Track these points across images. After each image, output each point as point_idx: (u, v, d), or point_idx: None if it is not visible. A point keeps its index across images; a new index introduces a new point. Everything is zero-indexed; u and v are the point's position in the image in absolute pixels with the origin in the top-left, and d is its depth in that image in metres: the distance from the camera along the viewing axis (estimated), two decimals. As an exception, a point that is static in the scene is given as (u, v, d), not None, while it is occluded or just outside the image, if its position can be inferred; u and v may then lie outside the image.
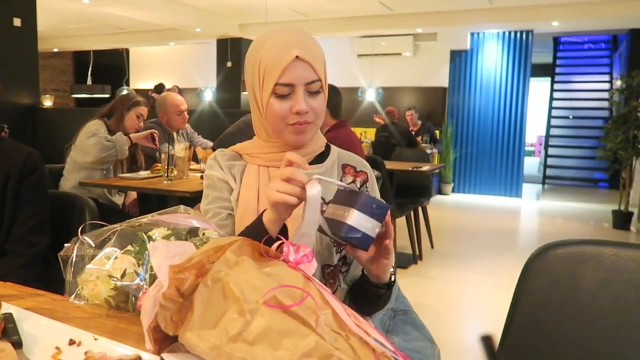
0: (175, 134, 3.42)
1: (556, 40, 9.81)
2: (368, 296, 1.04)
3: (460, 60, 8.01)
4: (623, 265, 1.04)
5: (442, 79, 8.21)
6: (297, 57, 0.96)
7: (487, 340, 0.62)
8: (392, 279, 1.01)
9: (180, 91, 8.53)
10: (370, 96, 8.49)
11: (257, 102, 1.04)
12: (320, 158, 1.12)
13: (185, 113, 3.44)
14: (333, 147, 1.16)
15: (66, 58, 11.62)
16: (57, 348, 0.75)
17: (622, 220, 5.61)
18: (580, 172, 9.33)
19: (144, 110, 3.10)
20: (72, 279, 0.90)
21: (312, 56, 0.99)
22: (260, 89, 1.01)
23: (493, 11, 7.01)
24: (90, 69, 8.48)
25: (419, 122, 7.18)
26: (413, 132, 6.90)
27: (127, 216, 2.82)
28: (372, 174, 1.18)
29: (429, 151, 6.38)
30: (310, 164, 1.08)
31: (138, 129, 3.08)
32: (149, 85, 10.33)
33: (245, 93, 7.85)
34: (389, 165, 4.01)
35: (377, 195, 1.16)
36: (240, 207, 1.06)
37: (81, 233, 0.93)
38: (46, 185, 1.51)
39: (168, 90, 7.18)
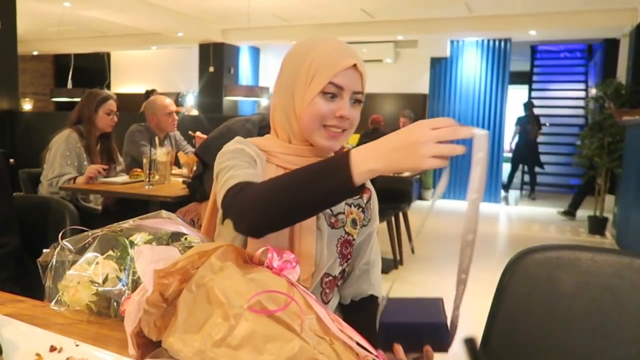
0: (162, 136, 3.37)
1: (533, 49, 10.00)
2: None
3: (440, 68, 8.10)
4: (599, 270, 1.06)
5: (422, 86, 8.29)
6: (354, 65, 0.99)
7: (469, 343, 0.63)
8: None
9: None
10: (352, 102, 8.51)
11: (295, 101, 1.02)
12: None
13: (175, 115, 3.42)
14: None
15: (46, 61, 11.44)
16: (38, 355, 0.74)
17: (597, 225, 5.71)
18: (557, 178, 9.49)
19: (112, 105, 3.00)
20: (53, 284, 0.89)
21: (364, 70, 1.02)
22: (305, 87, 1.00)
23: (472, 19, 7.12)
24: (70, 72, 8.36)
25: None
26: None
27: (107, 221, 2.79)
28: (374, 192, 1.20)
29: None
30: None
31: (113, 124, 3.01)
32: (131, 89, 10.24)
33: (228, 98, 7.89)
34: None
35: (376, 220, 1.19)
36: None
37: (61, 238, 0.92)
38: (6, 185, 1.44)
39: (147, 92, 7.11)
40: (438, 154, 0.77)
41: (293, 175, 0.86)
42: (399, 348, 0.83)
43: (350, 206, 1.11)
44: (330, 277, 1.08)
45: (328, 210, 1.06)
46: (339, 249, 1.08)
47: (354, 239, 1.11)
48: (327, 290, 1.08)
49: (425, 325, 0.86)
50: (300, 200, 0.83)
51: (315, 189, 0.81)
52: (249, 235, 0.95)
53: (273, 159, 1.05)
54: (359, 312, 1.16)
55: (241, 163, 0.99)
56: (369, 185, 1.19)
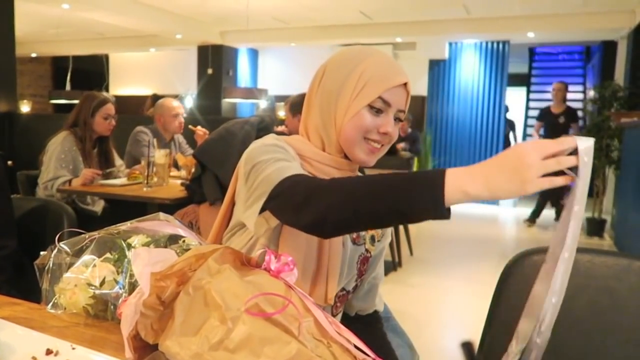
0: (155, 142, 3.39)
1: (532, 51, 10.01)
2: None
3: (439, 70, 8.11)
4: (597, 272, 1.06)
5: (421, 88, 8.30)
6: (405, 83, 1.00)
7: (467, 346, 0.63)
8: None
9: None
10: (350, 104, 8.53)
11: (337, 109, 0.99)
12: None
13: (181, 117, 3.47)
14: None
15: (45, 63, 11.44)
16: (34, 358, 0.74)
17: (596, 227, 5.72)
18: (556, 180, 9.48)
19: (110, 109, 2.97)
20: (49, 287, 0.89)
21: (410, 90, 1.03)
22: (352, 97, 0.98)
23: (471, 22, 7.14)
24: (69, 74, 8.35)
25: (409, 130, 7.24)
26: (398, 139, 6.95)
27: (105, 223, 2.79)
28: None
29: (406, 156, 6.44)
30: None
31: (112, 128, 3.01)
32: (130, 91, 10.23)
33: (227, 100, 7.89)
34: (369, 172, 4.03)
35: (389, 236, 1.20)
36: None
37: (58, 241, 0.91)
38: (4, 187, 1.44)
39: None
40: (546, 171, 0.69)
41: (381, 178, 0.79)
42: None
43: None
44: (344, 292, 1.08)
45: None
46: (358, 266, 1.08)
47: (371, 255, 1.11)
48: (339, 304, 1.08)
49: None
50: (382, 206, 0.75)
51: (402, 198, 0.74)
52: (307, 230, 0.85)
53: (306, 165, 1.01)
54: (364, 327, 1.15)
55: (289, 158, 0.95)
56: None
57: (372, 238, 1.11)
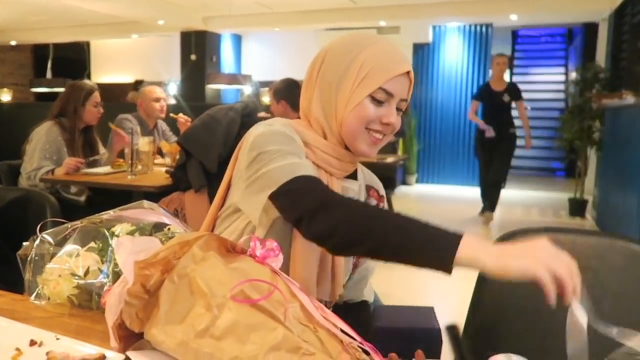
0: (139, 129, 3.36)
1: (514, 34, 10.05)
2: None
3: (423, 53, 8.11)
4: (580, 252, 1.07)
5: (405, 72, 8.29)
6: (407, 72, 0.97)
7: (452, 330, 0.64)
8: None
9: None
10: (335, 89, 8.51)
11: (338, 98, 0.98)
12: (354, 175, 1.10)
13: (163, 101, 3.47)
14: (358, 164, 1.12)
15: (25, 51, 11.20)
16: (18, 349, 0.73)
17: (578, 207, 5.81)
18: (538, 162, 9.60)
19: (97, 97, 2.99)
20: (32, 278, 0.88)
21: (412, 78, 1.00)
22: (352, 88, 0.96)
23: (454, 5, 7.12)
24: (50, 62, 8.20)
25: None
26: None
27: (90, 212, 2.77)
28: (384, 196, 1.17)
29: (392, 139, 6.46)
30: (347, 177, 1.07)
31: (99, 116, 3.01)
32: (112, 79, 10.07)
33: (210, 86, 7.81)
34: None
35: None
36: None
37: (41, 230, 0.90)
38: None
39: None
40: (557, 272, 0.69)
41: (402, 219, 0.80)
42: (394, 357, 0.81)
43: None
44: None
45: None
46: (354, 259, 1.08)
47: None
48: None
49: (419, 331, 0.85)
50: (392, 245, 0.79)
51: (415, 247, 0.78)
52: (311, 237, 0.85)
53: (311, 155, 1.00)
54: (354, 315, 1.14)
55: (299, 152, 0.94)
56: (383, 192, 1.16)
57: None
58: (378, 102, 0.96)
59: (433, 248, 0.75)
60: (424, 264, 0.77)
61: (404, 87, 0.98)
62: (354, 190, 1.06)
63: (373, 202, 1.10)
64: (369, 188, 1.12)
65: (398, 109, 0.99)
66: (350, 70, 0.96)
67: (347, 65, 0.96)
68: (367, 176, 1.14)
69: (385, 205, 1.16)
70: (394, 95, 0.96)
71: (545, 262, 0.69)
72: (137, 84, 7.11)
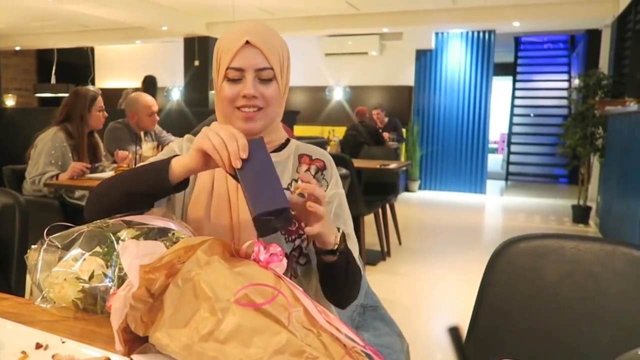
0: (142, 134, 3.37)
1: (517, 40, 10.06)
2: (322, 270, 1.03)
3: (426, 60, 8.13)
4: (582, 258, 1.08)
5: (408, 78, 8.31)
6: (247, 42, 1.00)
7: (454, 332, 0.63)
8: (338, 247, 0.96)
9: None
10: (338, 95, 8.53)
11: (216, 91, 1.08)
12: (279, 150, 1.13)
13: (156, 114, 3.41)
14: (292, 141, 1.16)
15: (29, 56, 11.27)
16: (24, 352, 0.73)
17: (581, 214, 5.79)
18: (541, 169, 9.59)
19: (101, 102, 3.04)
20: (38, 281, 0.88)
21: (263, 43, 1.01)
22: (217, 77, 1.05)
23: (456, 11, 7.14)
24: (54, 67, 8.23)
25: (386, 119, 7.26)
26: (380, 130, 6.98)
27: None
28: (330, 161, 1.16)
29: (394, 146, 6.47)
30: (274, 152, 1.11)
31: (104, 120, 3.05)
32: (116, 84, 10.11)
33: (213, 92, 7.85)
34: (357, 163, 4.05)
35: (337, 181, 1.14)
36: (196, 187, 1.07)
37: (47, 235, 0.91)
38: None
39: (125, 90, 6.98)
40: (214, 141, 0.85)
41: (124, 172, 1.01)
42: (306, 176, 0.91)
43: (297, 181, 1.08)
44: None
45: None
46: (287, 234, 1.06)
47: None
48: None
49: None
50: (126, 199, 0.94)
51: (138, 181, 0.94)
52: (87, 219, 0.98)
53: None
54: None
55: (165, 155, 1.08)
56: (322, 156, 1.15)
57: (301, 195, 1.07)
58: (233, 81, 1.02)
59: (151, 175, 0.93)
60: (150, 191, 0.94)
61: (253, 58, 1.00)
62: (276, 162, 1.05)
63: (304, 167, 1.12)
64: (301, 156, 1.13)
65: (264, 80, 1.02)
66: (214, 64, 1.06)
67: (214, 61, 1.06)
68: (301, 147, 1.16)
69: (328, 165, 1.14)
70: (245, 68, 1.00)
71: (205, 135, 0.86)
72: (150, 80, 7.03)
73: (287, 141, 1.15)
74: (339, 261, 0.98)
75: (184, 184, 0.94)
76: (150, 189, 0.93)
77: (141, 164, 1.08)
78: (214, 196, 1.05)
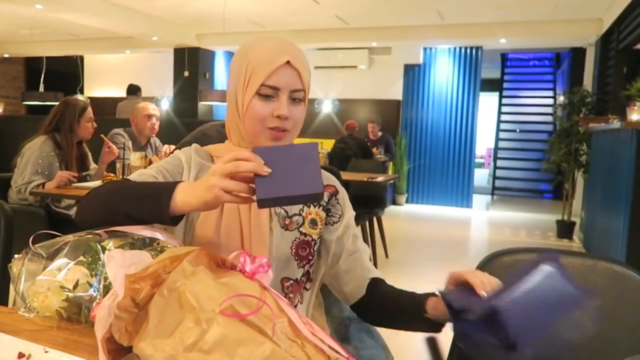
0: (133, 144, 3.37)
1: (504, 57, 10.21)
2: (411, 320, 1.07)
3: (414, 74, 8.21)
4: (564, 272, 1.09)
5: (396, 92, 8.38)
6: (287, 62, 0.98)
7: (431, 341, 0.64)
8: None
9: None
10: (327, 108, 8.58)
11: (238, 105, 1.03)
12: None
13: (154, 120, 3.44)
14: None
15: (17, 64, 11.19)
16: (6, 362, 0.73)
17: (565, 229, 5.85)
18: (527, 184, 9.69)
19: (90, 112, 3.02)
20: (22, 290, 0.88)
21: (301, 65, 1.00)
22: (244, 90, 1.00)
23: (444, 27, 7.25)
24: (42, 75, 8.19)
25: (380, 134, 7.31)
26: (370, 143, 7.02)
27: (79, 226, 2.77)
28: (338, 184, 1.17)
29: (382, 159, 6.51)
30: None
31: (93, 130, 3.04)
32: (105, 93, 10.07)
33: (203, 103, 7.85)
34: (345, 175, 4.07)
35: (348, 204, 1.17)
36: None
37: (32, 243, 0.90)
38: None
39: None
40: (226, 188, 0.81)
41: (127, 186, 0.93)
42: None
43: (309, 207, 1.10)
44: (291, 281, 1.07)
45: (282, 212, 1.06)
46: (294, 250, 1.06)
47: (313, 240, 1.09)
48: (291, 295, 1.07)
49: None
50: (119, 210, 0.89)
51: (135, 205, 0.88)
52: (77, 223, 0.97)
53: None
54: (377, 298, 1.14)
55: (155, 169, 1.04)
56: (329, 181, 1.16)
57: (313, 222, 1.09)
58: (266, 98, 0.99)
59: (149, 204, 0.87)
60: (146, 219, 0.89)
61: (290, 78, 0.99)
62: None
63: None
64: None
65: (295, 99, 1.01)
66: (240, 74, 1.01)
67: (238, 70, 1.02)
68: None
69: (340, 192, 1.16)
70: (280, 87, 0.99)
71: (213, 181, 0.81)
72: (133, 89, 7.04)
73: None
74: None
75: (183, 216, 0.89)
76: (146, 217, 0.88)
77: (141, 173, 1.03)
78: (224, 214, 1.01)
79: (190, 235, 1.03)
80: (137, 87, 6.92)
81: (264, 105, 0.99)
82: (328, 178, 1.17)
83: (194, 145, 1.10)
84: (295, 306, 1.08)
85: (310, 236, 1.08)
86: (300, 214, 1.08)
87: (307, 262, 1.08)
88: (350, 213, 1.16)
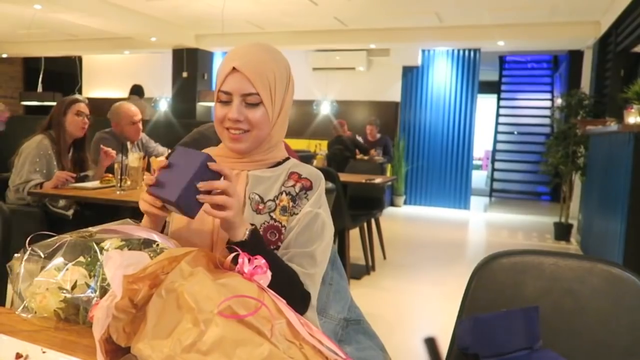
0: (129, 144, 3.34)
1: (502, 59, 10.23)
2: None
3: (412, 76, 8.22)
4: (562, 275, 1.10)
5: (394, 94, 8.39)
6: (233, 68, 1.06)
7: (430, 342, 0.65)
8: (246, 238, 0.98)
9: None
10: (325, 109, 8.58)
11: None
12: (273, 167, 1.17)
13: (140, 124, 3.37)
14: (291, 160, 1.20)
15: (15, 64, 11.17)
16: (3, 362, 0.73)
17: (563, 231, 5.86)
18: (525, 186, 9.70)
19: (81, 107, 2.95)
20: (20, 291, 0.88)
21: (251, 70, 1.06)
22: (214, 97, 1.12)
23: (443, 30, 7.25)
24: (41, 76, 8.17)
25: (378, 135, 7.31)
26: (369, 144, 7.04)
27: (77, 226, 2.75)
28: (318, 183, 1.15)
29: (380, 160, 6.52)
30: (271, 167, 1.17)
31: (85, 127, 2.96)
32: (104, 94, 10.05)
33: (201, 103, 7.85)
34: (343, 177, 4.07)
35: (317, 201, 1.13)
36: None
37: (29, 244, 0.90)
38: None
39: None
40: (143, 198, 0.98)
41: None
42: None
43: (282, 194, 1.12)
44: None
45: (256, 197, 1.11)
46: (262, 234, 1.07)
47: (283, 226, 1.10)
48: None
49: None
50: None
51: None
52: None
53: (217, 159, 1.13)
54: None
55: None
56: (309, 175, 1.15)
57: (284, 209, 1.10)
58: (224, 103, 1.08)
59: None
60: None
61: (240, 83, 1.06)
62: (267, 177, 1.14)
63: (291, 182, 1.14)
64: (291, 173, 1.16)
65: (250, 104, 1.08)
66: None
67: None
68: (295, 166, 1.18)
69: (315, 187, 1.14)
70: (232, 92, 1.07)
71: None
72: (136, 89, 7.00)
73: (285, 160, 1.18)
74: (245, 250, 0.97)
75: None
76: None
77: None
78: None
79: (168, 229, 1.12)
80: (140, 88, 6.91)
81: (221, 109, 1.08)
82: (310, 173, 1.16)
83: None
84: None
85: (280, 222, 1.10)
86: (274, 200, 1.12)
87: (277, 247, 1.10)
88: (312, 208, 1.11)
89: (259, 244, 1.01)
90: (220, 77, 1.07)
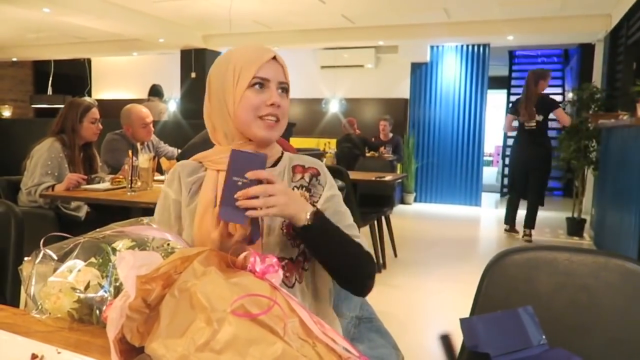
0: (139, 145, 3.37)
1: (511, 54, 10.14)
2: (309, 251, 1.09)
3: (421, 73, 8.18)
4: (576, 270, 1.09)
5: (403, 91, 8.36)
6: (274, 57, 1.10)
7: (445, 339, 0.64)
8: (308, 222, 1.00)
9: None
10: (334, 107, 8.57)
11: (227, 102, 1.10)
12: (274, 165, 1.17)
13: (151, 125, 3.41)
14: (285, 153, 1.20)
15: (25, 67, 11.28)
16: (19, 363, 0.74)
17: (575, 227, 5.81)
18: (537, 181, 9.60)
19: (95, 113, 3.01)
20: (34, 292, 0.88)
21: (284, 63, 1.14)
22: (234, 87, 1.09)
23: (451, 25, 7.21)
24: (50, 78, 8.25)
25: (390, 135, 7.28)
26: (380, 142, 7.03)
27: (89, 227, 2.77)
28: (322, 167, 1.20)
29: (389, 158, 6.51)
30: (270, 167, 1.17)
31: (98, 133, 3.02)
32: (113, 96, 10.13)
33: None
34: (353, 175, 4.06)
35: (332, 185, 1.18)
36: (199, 209, 1.08)
37: (43, 245, 0.91)
38: None
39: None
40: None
41: None
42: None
43: (294, 189, 1.14)
44: (286, 260, 1.08)
45: None
46: (285, 229, 1.08)
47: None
48: (288, 274, 1.08)
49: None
50: None
51: None
52: None
53: (215, 165, 1.13)
54: None
55: (161, 209, 1.15)
56: (314, 164, 1.20)
57: None
58: (258, 90, 1.08)
59: None
60: None
61: (277, 71, 1.11)
62: (275, 175, 1.12)
63: (299, 176, 1.16)
64: (294, 167, 1.18)
65: (284, 90, 1.12)
66: (227, 75, 1.10)
67: (224, 73, 1.11)
68: (293, 159, 1.20)
69: (322, 172, 1.18)
70: (270, 78, 1.09)
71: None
72: (156, 90, 6.99)
73: (281, 155, 1.19)
74: (312, 234, 1.01)
75: None
76: None
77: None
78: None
79: (192, 234, 1.09)
80: (160, 89, 6.80)
81: (257, 95, 1.08)
82: (310, 161, 1.21)
83: (178, 164, 1.20)
84: (293, 285, 1.09)
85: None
86: None
87: (297, 241, 1.10)
88: (330, 192, 1.16)
89: (324, 224, 1.03)
90: (255, 64, 1.08)
